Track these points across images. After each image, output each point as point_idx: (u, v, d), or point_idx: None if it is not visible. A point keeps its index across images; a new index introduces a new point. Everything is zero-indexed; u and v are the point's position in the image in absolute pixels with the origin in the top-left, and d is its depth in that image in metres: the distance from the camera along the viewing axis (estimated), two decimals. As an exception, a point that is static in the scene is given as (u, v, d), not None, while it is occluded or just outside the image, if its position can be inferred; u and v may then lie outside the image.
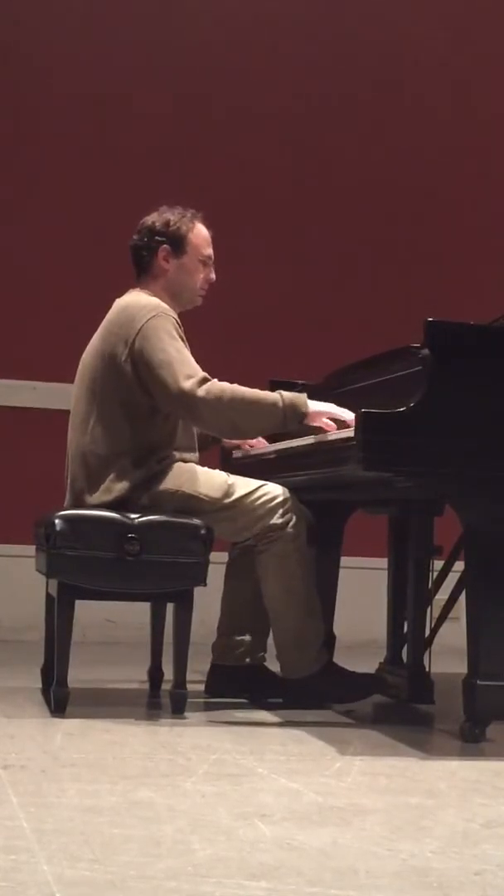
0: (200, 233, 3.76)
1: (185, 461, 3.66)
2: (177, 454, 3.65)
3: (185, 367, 3.49)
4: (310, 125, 5.96)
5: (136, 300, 3.66)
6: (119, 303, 3.71)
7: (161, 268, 3.72)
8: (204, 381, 3.48)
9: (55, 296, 5.49)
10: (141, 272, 3.76)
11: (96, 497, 3.54)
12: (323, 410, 3.51)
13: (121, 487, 3.54)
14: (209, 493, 3.59)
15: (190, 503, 3.57)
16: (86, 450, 3.59)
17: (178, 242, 3.72)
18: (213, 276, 3.78)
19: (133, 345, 3.55)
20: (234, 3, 5.94)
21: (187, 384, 3.46)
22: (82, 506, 3.55)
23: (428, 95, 6.09)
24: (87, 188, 5.60)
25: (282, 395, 3.54)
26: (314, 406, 3.51)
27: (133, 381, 3.56)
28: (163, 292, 3.71)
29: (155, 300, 3.64)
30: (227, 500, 3.60)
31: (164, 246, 3.71)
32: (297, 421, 3.52)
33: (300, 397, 3.54)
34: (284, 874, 1.89)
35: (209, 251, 3.77)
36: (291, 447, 3.74)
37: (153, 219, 3.75)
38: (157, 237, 3.71)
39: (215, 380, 3.50)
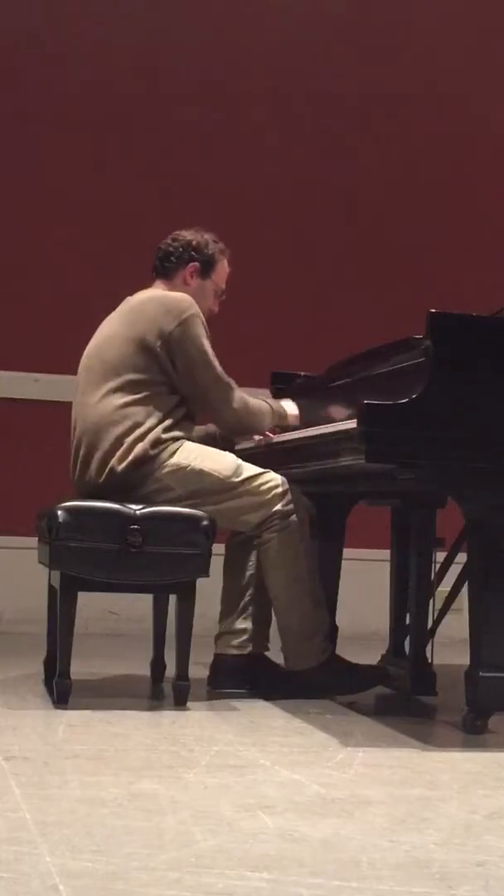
0: (225, 266, 3.94)
1: (192, 440, 3.73)
2: (184, 432, 3.71)
3: (222, 373, 3.72)
4: (310, 121, 5.94)
5: (166, 293, 3.78)
6: (144, 294, 3.78)
7: (184, 280, 3.85)
8: (233, 390, 3.74)
9: (57, 288, 5.49)
10: (162, 275, 3.87)
11: (112, 465, 3.58)
12: (295, 415, 3.94)
13: (132, 451, 3.57)
14: (219, 470, 3.63)
15: (200, 478, 3.61)
16: (102, 421, 3.62)
17: (207, 266, 3.87)
18: (216, 309, 3.94)
19: (171, 334, 3.65)
20: (239, 3, 5.94)
21: (226, 393, 3.72)
22: (96, 480, 3.59)
23: (428, 87, 6.07)
24: (91, 184, 5.60)
25: (271, 405, 3.88)
26: (290, 409, 3.96)
27: (165, 365, 3.65)
28: None
29: (185, 295, 3.75)
30: (236, 479, 3.66)
31: (195, 263, 3.85)
32: (278, 426, 3.92)
33: (283, 407, 3.93)
34: (286, 865, 1.89)
35: (224, 286, 3.94)
36: (294, 439, 3.74)
37: (192, 235, 3.88)
38: (192, 252, 3.85)
39: (236, 386, 3.76)
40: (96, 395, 3.67)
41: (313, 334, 5.58)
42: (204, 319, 3.73)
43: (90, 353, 3.78)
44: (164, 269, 3.86)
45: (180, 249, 3.85)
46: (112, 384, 3.65)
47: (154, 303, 3.71)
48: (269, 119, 5.88)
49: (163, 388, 3.66)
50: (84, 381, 3.74)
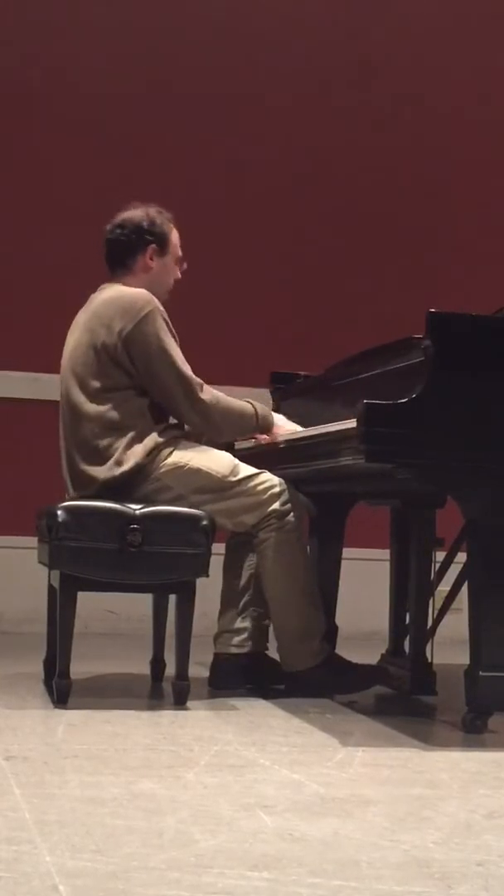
0: (176, 234, 3.84)
1: (187, 439, 3.73)
2: (179, 431, 3.71)
3: (186, 369, 3.62)
4: (309, 117, 5.94)
5: (123, 292, 3.68)
6: (103, 297, 3.71)
7: (146, 265, 3.76)
8: (201, 387, 3.63)
9: (57, 288, 5.47)
10: (119, 267, 3.78)
11: (105, 470, 3.55)
12: (285, 428, 3.84)
13: (131, 456, 3.55)
14: (217, 469, 3.63)
15: (197, 477, 3.60)
16: (87, 433, 3.60)
17: (163, 242, 3.78)
18: (179, 275, 3.86)
19: (129, 335, 3.58)
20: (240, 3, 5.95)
21: (190, 388, 3.61)
22: (90, 486, 3.56)
23: (428, 84, 6.07)
24: (88, 183, 5.59)
25: (254, 407, 3.77)
26: (279, 420, 3.85)
27: (129, 367, 3.60)
28: (142, 287, 3.72)
29: (143, 290, 3.67)
30: (233, 479, 3.65)
31: (153, 245, 3.76)
32: (263, 431, 3.83)
33: (269, 411, 3.84)
34: (286, 865, 1.89)
35: (180, 252, 3.85)
36: (294, 439, 3.74)
37: (139, 217, 3.78)
38: (146, 235, 3.75)
39: (206, 385, 3.66)
40: (76, 408, 3.64)
41: (313, 334, 5.58)
42: (165, 314, 3.64)
43: (64, 364, 3.74)
44: (122, 260, 3.76)
45: (133, 236, 3.74)
46: (87, 396, 3.61)
47: (112, 306, 3.64)
48: (269, 119, 5.87)
49: (132, 392, 3.61)
50: (64, 393, 3.72)
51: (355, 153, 5.97)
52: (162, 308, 3.65)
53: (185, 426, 3.78)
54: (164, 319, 3.63)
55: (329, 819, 2.21)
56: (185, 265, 3.85)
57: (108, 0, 5.79)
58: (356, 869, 1.89)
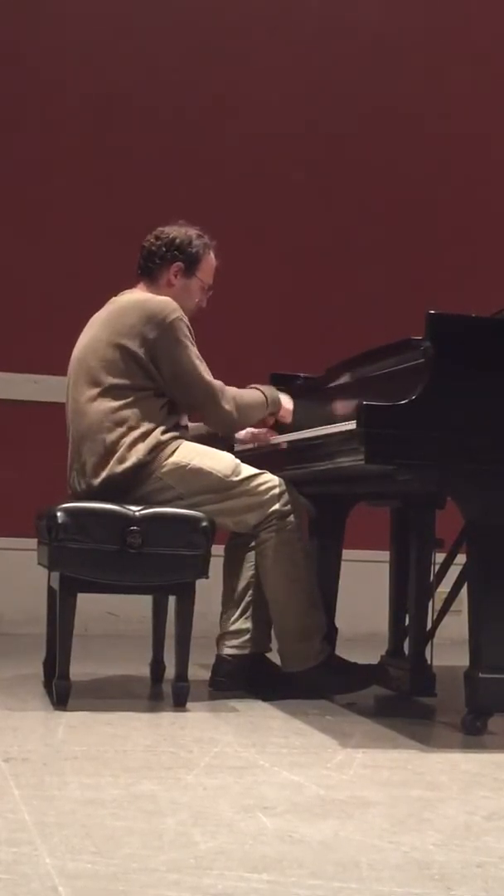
0: (211, 261, 3.88)
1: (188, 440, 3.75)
2: (181, 432, 3.73)
3: (208, 376, 3.69)
4: (309, 115, 5.94)
5: (148, 297, 3.73)
6: (127, 298, 3.75)
7: (168, 281, 3.81)
8: (222, 392, 3.70)
9: (57, 290, 5.49)
10: (145, 274, 3.84)
11: (109, 468, 3.56)
12: (289, 409, 3.98)
13: (133, 453, 3.56)
14: (218, 469, 3.64)
15: (199, 477, 3.61)
16: (95, 427, 3.61)
17: (192, 264, 3.82)
18: (204, 304, 3.89)
19: (154, 342, 3.61)
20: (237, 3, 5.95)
21: (214, 395, 3.69)
22: (93, 479, 3.57)
23: (428, 84, 6.08)
24: (89, 185, 5.60)
25: (264, 393, 3.87)
26: (286, 403, 3.97)
27: (152, 372, 3.63)
28: None
29: (168, 298, 3.71)
30: (235, 479, 3.66)
31: (179, 263, 3.80)
32: (275, 412, 3.96)
33: (275, 392, 3.93)
34: (286, 867, 1.89)
35: (211, 281, 3.89)
36: (294, 440, 3.74)
37: (176, 232, 3.83)
38: (176, 251, 3.80)
39: (224, 386, 3.73)
40: (85, 400, 3.65)
41: (313, 335, 5.58)
42: (188, 322, 3.69)
43: (76, 358, 3.76)
44: (148, 269, 3.82)
45: (163, 249, 3.80)
46: (100, 389, 3.63)
47: (136, 308, 3.67)
48: (270, 118, 5.88)
49: (149, 393, 3.64)
50: (73, 385, 3.73)
51: (355, 154, 5.97)
52: (185, 316, 3.69)
53: (188, 425, 3.83)
54: (188, 327, 3.68)
55: (329, 820, 2.21)
56: (210, 292, 3.89)
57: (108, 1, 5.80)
58: (356, 870, 1.89)
